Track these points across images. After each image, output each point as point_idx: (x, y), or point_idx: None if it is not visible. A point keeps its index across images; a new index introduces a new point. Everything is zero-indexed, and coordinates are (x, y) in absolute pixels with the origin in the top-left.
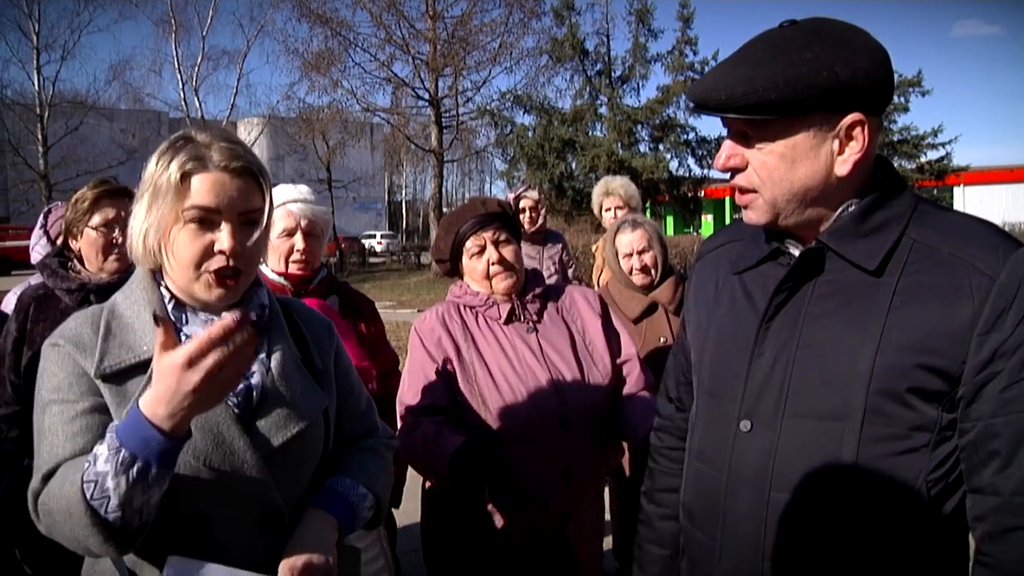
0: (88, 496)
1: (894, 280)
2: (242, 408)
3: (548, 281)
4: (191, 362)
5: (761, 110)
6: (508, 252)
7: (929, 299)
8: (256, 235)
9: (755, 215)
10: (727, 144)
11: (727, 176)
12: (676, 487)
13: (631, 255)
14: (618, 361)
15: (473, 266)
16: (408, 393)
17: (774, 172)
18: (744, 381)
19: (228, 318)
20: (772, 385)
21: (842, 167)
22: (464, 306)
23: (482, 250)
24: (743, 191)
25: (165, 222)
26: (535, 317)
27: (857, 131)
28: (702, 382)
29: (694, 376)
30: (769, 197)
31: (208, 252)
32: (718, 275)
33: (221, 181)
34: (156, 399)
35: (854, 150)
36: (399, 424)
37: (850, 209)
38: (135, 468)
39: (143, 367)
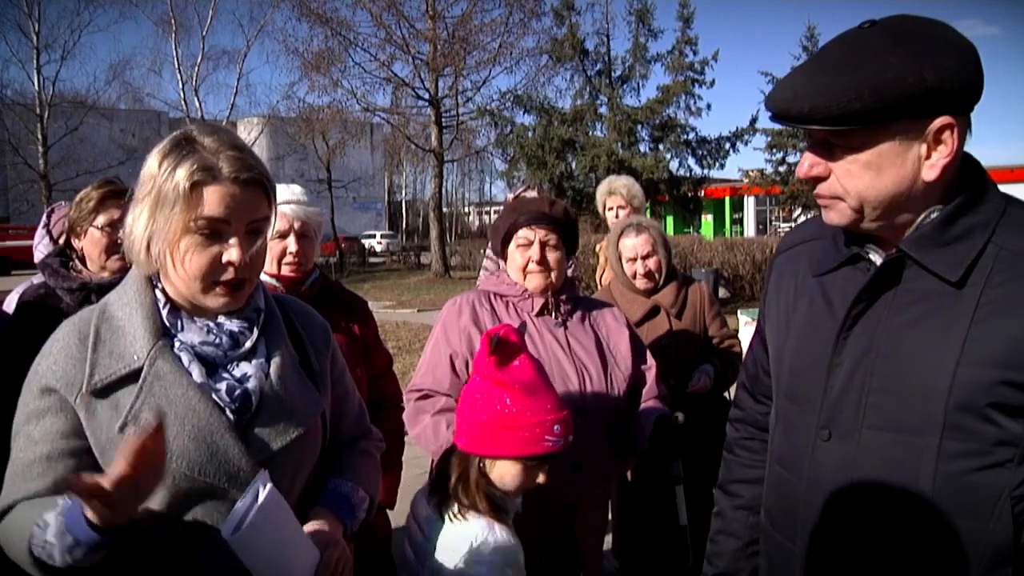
0: (36, 554)
1: (978, 291)
2: (239, 414)
3: None
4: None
5: (845, 121)
6: (552, 256)
7: (1014, 311)
8: (260, 242)
9: (836, 217)
10: (808, 154)
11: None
12: (750, 479)
13: (635, 260)
14: (643, 367)
15: (515, 256)
16: (418, 373)
17: (859, 181)
18: (823, 390)
19: (143, 430)
20: (851, 396)
21: (930, 172)
22: (496, 295)
23: (529, 244)
24: (825, 198)
25: (173, 232)
26: (565, 315)
27: (946, 135)
28: (781, 385)
29: (773, 377)
30: (855, 204)
31: (216, 264)
32: (797, 275)
33: (231, 193)
34: (94, 511)
35: (943, 154)
36: (406, 396)
37: (932, 216)
38: (79, 550)
39: (134, 376)
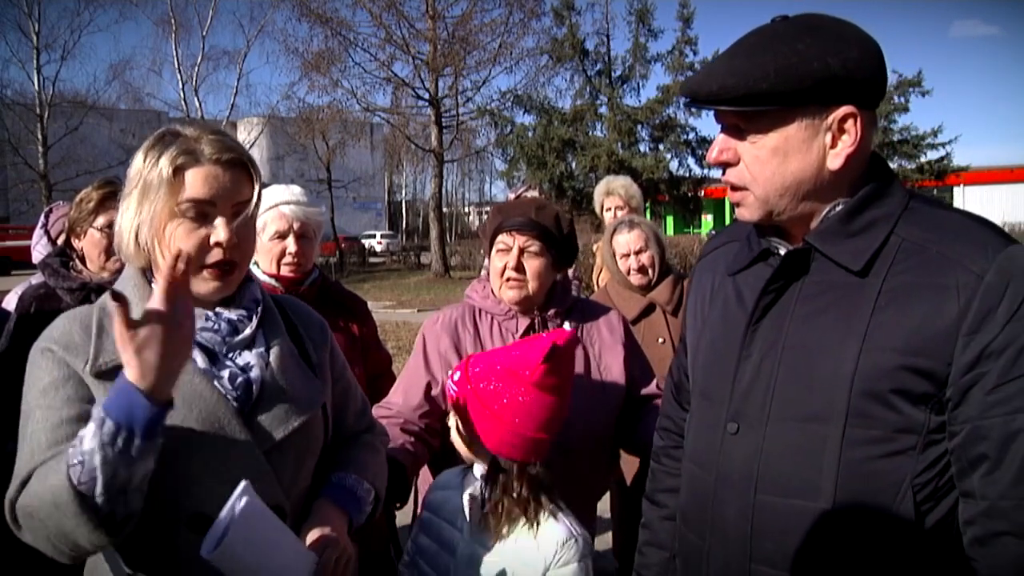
0: (75, 480)
1: (880, 280)
2: (241, 402)
3: None
4: (146, 321)
5: (752, 101)
6: (531, 265)
7: (914, 299)
8: (247, 223)
9: (747, 212)
10: (720, 138)
11: (722, 172)
12: (676, 488)
13: (628, 255)
14: (643, 392)
15: (494, 261)
16: (394, 389)
17: (766, 167)
18: (732, 383)
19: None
20: (758, 387)
21: (834, 161)
22: (481, 311)
23: (507, 250)
24: (735, 188)
25: (159, 218)
26: None
27: (849, 124)
28: (696, 383)
29: (690, 377)
30: (761, 193)
31: (204, 246)
32: (714, 276)
33: (214, 174)
34: (130, 366)
35: (846, 143)
36: (374, 412)
37: (837, 208)
38: (120, 439)
39: None
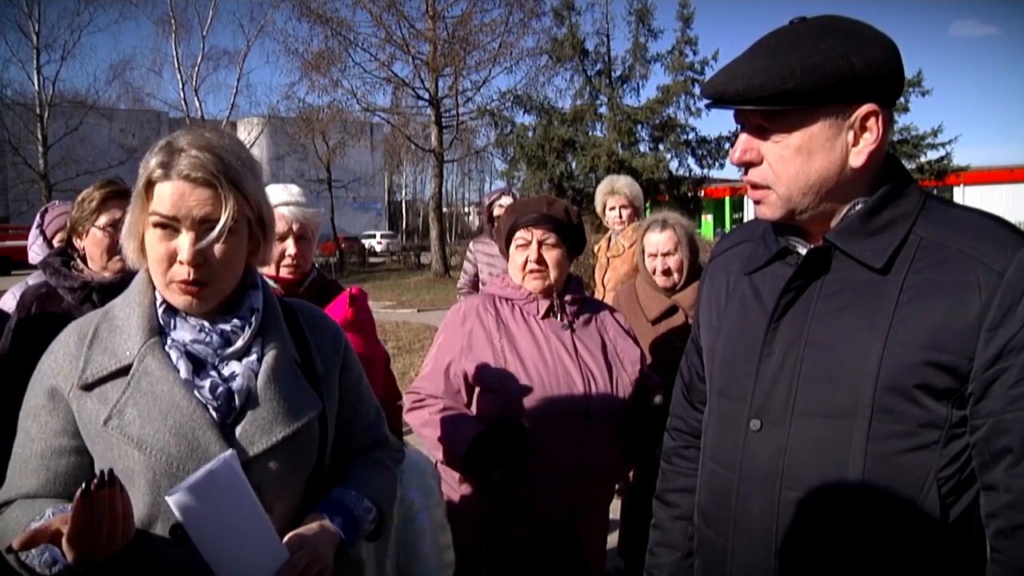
0: (22, 559)
1: (901, 277)
2: (222, 412)
3: None
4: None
5: (778, 100)
6: (550, 256)
7: (936, 295)
8: (214, 242)
9: (768, 210)
10: (743, 138)
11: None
12: (688, 487)
13: (656, 256)
14: (651, 385)
15: (515, 257)
16: (423, 373)
17: (790, 165)
18: (754, 380)
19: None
20: (781, 384)
21: (857, 159)
22: (501, 298)
23: (527, 244)
24: (756, 187)
25: (138, 227)
26: (571, 317)
27: (871, 122)
28: (713, 382)
29: (707, 376)
30: (784, 192)
31: (172, 259)
32: (729, 276)
33: (180, 191)
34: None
35: (868, 141)
36: (405, 398)
37: (857, 207)
38: (57, 567)
39: (124, 372)
